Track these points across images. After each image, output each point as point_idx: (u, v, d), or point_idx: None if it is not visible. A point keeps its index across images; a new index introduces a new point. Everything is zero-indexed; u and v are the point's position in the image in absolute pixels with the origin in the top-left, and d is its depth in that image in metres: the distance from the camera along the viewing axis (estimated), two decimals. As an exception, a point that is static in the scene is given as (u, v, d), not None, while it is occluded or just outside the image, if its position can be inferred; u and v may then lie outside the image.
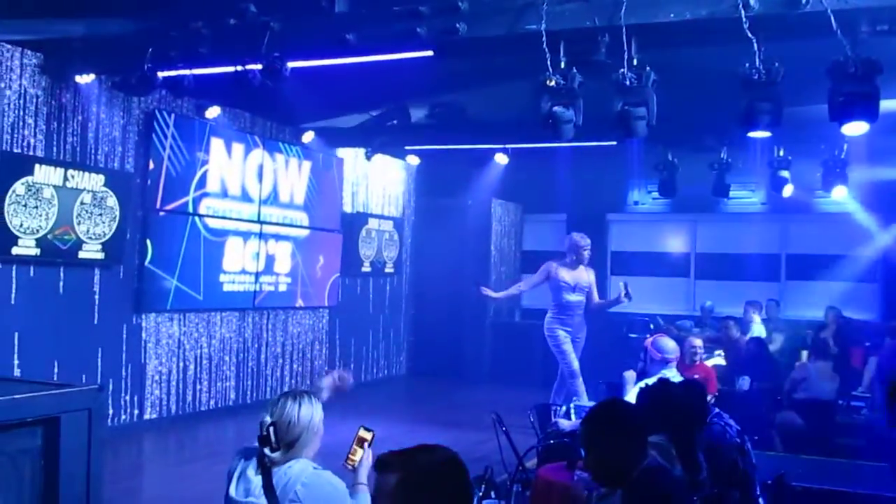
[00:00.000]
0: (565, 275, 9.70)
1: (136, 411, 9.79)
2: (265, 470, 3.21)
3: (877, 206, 12.85)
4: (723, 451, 4.68)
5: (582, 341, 9.87)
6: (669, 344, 6.47)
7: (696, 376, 6.92)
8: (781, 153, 10.81)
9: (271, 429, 3.22)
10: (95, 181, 9.00)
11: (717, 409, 5.02)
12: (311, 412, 3.29)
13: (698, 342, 8.23)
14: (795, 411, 8.82)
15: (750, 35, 5.66)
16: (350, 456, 3.44)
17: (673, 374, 6.19)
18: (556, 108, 6.36)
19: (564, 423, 6.52)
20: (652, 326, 12.29)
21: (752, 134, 6.42)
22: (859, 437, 8.43)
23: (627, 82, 6.23)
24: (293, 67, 7.18)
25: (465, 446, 7.77)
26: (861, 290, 13.06)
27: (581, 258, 9.73)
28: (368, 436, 3.48)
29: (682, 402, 4.35)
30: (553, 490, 4.98)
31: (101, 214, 9.06)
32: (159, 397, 10.12)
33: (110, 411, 9.25)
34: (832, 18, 5.36)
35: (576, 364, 9.59)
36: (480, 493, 4.74)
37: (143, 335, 9.91)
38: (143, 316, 9.90)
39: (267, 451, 3.21)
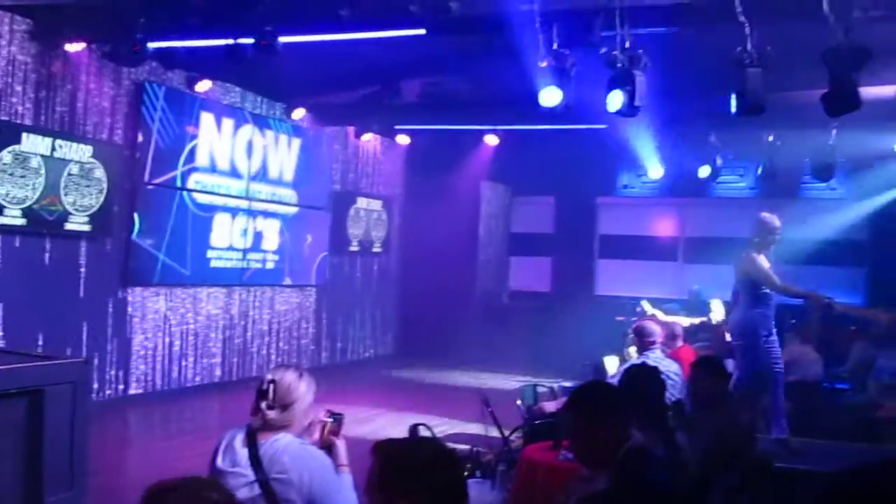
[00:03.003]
0: (765, 262, 7.59)
1: (120, 386, 9.76)
2: (252, 441, 3.21)
3: (863, 190, 12.92)
4: (732, 435, 4.74)
5: None
6: (651, 327, 6.51)
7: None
8: (771, 139, 10.83)
9: (272, 385, 3.23)
10: (83, 152, 8.93)
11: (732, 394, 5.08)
12: (307, 388, 3.33)
13: (680, 326, 8.29)
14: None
15: (742, 18, 5.66)
16: (323, 441, 3.44)
17: (657, 357, 6.23)
18: (547, 89, 6.34)
19: (548, 406, 6.54)
20: (639, 310, 12.31)
21: (739, 115, 6.38)
22: (844, 419, 8.51)
23: (619, 64, 6.22)
24: (285, 42, 7.13)
25: (452, 426, 7.81)
26: (846, 274, 13.12)
27: (770, 242, 7.65)
28: (338, 418, 3.48)
29: (640, 386, 4.44)
30: (538, 469, 5.00)
31: (88, 186, 9.01)
32: (145, 372, 10.09)
33: (95, 385, 9.22)
34: (824, 3, 5.35)
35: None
36: (466, 473, 4.76)
37: (129, 309, 9.87)
38: (130, 290, 9.86)
39: (263, 405, 3.23)
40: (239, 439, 3.26)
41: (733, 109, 6.24)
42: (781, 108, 6.78)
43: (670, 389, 5.80)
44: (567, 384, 7.49)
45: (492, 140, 12.93)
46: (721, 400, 5.09)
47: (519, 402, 7.23)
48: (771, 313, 7.60)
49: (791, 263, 13.52)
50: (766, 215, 7.80)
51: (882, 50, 5.78)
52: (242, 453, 3.21)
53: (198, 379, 10.87)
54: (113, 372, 9.66)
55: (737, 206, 14.21)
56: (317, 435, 3.44)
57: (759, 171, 12.50)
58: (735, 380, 7.48)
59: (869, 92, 6.07)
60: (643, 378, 4.77)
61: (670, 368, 6.10)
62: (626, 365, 5.74)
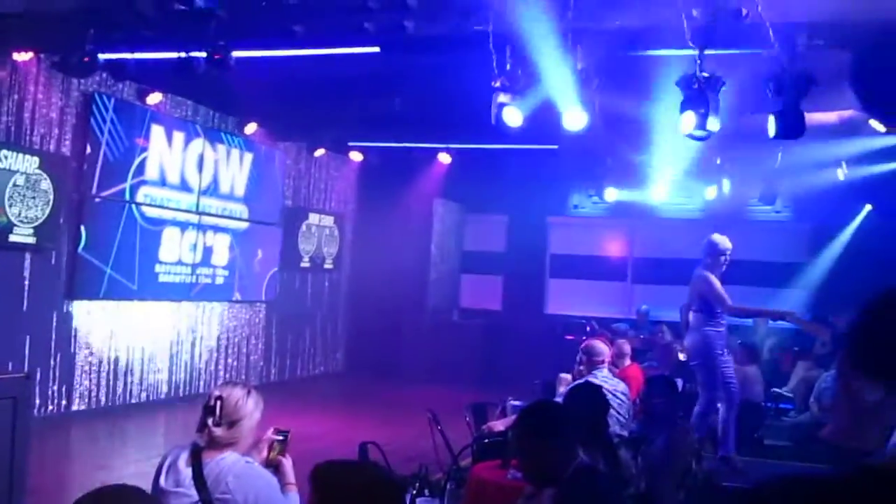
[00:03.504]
0: (716, 280, 7.78)
1: (63, 402, 9.56)
2: (197, 460, 3.17)
3: (808, 214, 13.22)
4: (680, 454, 4.82)
5: None
6: (600, 347, 6.55)
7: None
8: (718, 161, 11.03)
9: (219, 402, 3.19)
10: (30, 163, 8.77)
11: (681, 413, 5.19)
12: (255, 405, 3.29)
13: (627, 346, 8.37)
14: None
15: (691, 45, 5.77)
16: (269, 459, 3.41)
17: (604, 375, 6.28)
18: (501, 109, 6.39)
19: (497, 425, 6.54)
20: (589, 329, 12.42)
21: (687, 135, 6.45)
22: (787, 438, 8.68)
23: (571, 85, 6.30)
24: (238, 57, 7.10)
25: (401, 444, 7.78)
26: (789, 296, 13.36)
27: (721, 263, 7.84)
28: (284, 436, 3.46)
29: (582, 404, 4.52)
30: (487, 488, 5.00)
31: (34, 198, 8.84)
32: (88, 388, 9.89)
33: (37, 401, 9.02)
34: (770, 32, 5.49)
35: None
36: (415, 491, 4.75)
37: (74, 323, 9.69)
38: (75, 304, 9.68)
39: (210, 422, 3.18)
40: (183, 458, 3.21)
41: (684, 132, 6.32)
42: (729, 131, 6.91)
43: (617, 408, 5.87)
44: (516, 402, 7.50)
45: (445, 158, 12.99)
46: (672, 417, 5.16)
47: (468, 419, 7.23)
48: (724, 332, 7.80)
49: (735, 284, 13.81)
50: (716, 236, 8.00)
51: (826, 77, 5.94)
52: (186, 472, 3.16)
53: (143, 395, 10.69)
54: (56, 387, 9.46)
55: (685, 227, 14.45)
56: (264, 453, 3.41)
57: (708, 193, 12.76)
58: (705, 401, 7.67)
59: (813, 118, 6.23)
60: (585, 397, 4.83)
61: (617, 388, 6.16)
62: (571, 384, 5.79)
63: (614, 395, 5.93)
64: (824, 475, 1.23)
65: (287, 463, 3.39)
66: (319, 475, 2.48)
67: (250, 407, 3.27)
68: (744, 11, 5.58)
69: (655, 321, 12.83)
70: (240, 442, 3.25)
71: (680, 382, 9.21)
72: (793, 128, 6.05)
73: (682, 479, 4.69)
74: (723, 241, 7.90)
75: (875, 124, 8.79)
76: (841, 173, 11.39)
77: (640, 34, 6.11)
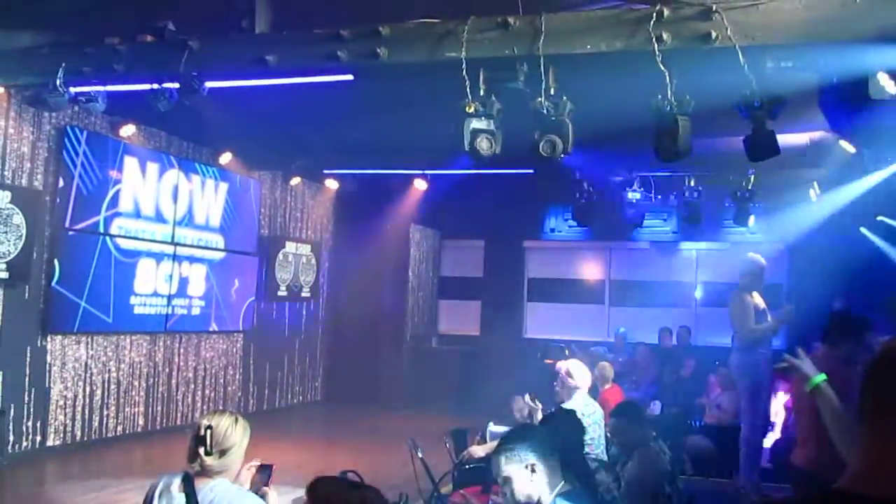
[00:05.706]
0: (753, 302, 8.00)
1: (38, 438, 9.41)
2: (190, 486, 3.18)
3: (780, 234, 13.33)
4: (653, 476, 4.83)
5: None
6: (580, 370, 6.55)
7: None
8: (692, 183, 11.12)
9: (209, 431, 3.20)
10: (1, 197, 8.70)
11: (654, 434, 5.21)
12: (243, 433, 3.34)
13: (610, 369, 8.40)
14: (704, 435, 9.03)
15: (662, 68, 5.82)
16: (256, 492, 3.42)
17: (584, 399, 6.28)
18: (474, 135, 6.41)
19: (477, 451, 6.51)
20: (567, 352, 12.43)
21: (663, 160, 6.48)
22: (766, 461, 8.68)
23: (544, 111, 6.33)
24: (211, 87, 7.10)
25: (381, 472, 7.71)
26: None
27: (759, 282, 8.13)
28: (268, 470, 3.48)
29: (558, 429, 4.54)
30: (467, 515, 4.98)
31: (6, 232, 8.76)
32: (64, 423, 9.76)
33: (11, 437, 8.90)
34: (740, 54, 5.56)
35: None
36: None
37: (49, 358, 9.56)
38: (49, 338, 9.57)
39: (201, 451, 3.19)
40: (175, 483, 3.24)
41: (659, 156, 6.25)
42: (702, 153, 6.96)
43: (592, 433, 5.89)
44: (496, 428, 7.47)
45: (420, 184, 13.02)
46: (642, 440, 5.16)
47: (448, 446, 7.19)
48: (769, 355, 7.89)
49: (713, 307, 13.90)
50: (752, 255, 8.20)
51: (794, 99, 6.02)
52: (179, 498, 3.18)
53: (120, 429, 10.54)
54: (30, 423, 9.32)
55: (661, 250, 14.56)
56: (247, 484, 3.42)
57: (682, 215, 12.84)
58: (747, 426, 7.83)
59: (784, 140, 6.29)
60: (561, 422, 4.84)
61: (594, 414, 6.18)
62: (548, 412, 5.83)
63: (590, 419, 5.96)
64: (784, 498, 1.23)
65: (273, 494, 3.42)
66: (316, 488, 2.49)
67: (239, 434, 3.31)
68: (713, 35, 5.65)
69: (632, 343, 12.89)
70: (230, 469, 3.28)
71: (658, 405, 9.27)
72: (766, 149, 6.11)
73: (655, 501, 4.70)
74: (757, 258, 8.09)
75: (845, 145, 8.92)
76: (813, 194, 11.51)
77: (611, 58, 6.16)
